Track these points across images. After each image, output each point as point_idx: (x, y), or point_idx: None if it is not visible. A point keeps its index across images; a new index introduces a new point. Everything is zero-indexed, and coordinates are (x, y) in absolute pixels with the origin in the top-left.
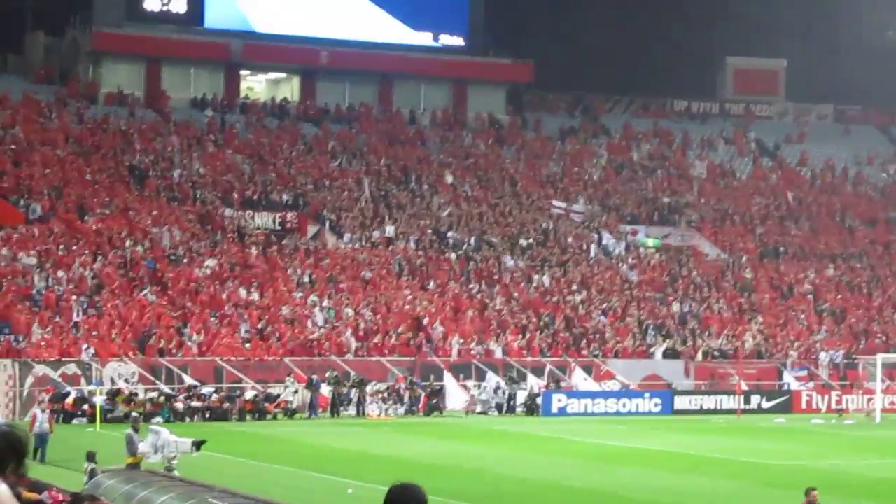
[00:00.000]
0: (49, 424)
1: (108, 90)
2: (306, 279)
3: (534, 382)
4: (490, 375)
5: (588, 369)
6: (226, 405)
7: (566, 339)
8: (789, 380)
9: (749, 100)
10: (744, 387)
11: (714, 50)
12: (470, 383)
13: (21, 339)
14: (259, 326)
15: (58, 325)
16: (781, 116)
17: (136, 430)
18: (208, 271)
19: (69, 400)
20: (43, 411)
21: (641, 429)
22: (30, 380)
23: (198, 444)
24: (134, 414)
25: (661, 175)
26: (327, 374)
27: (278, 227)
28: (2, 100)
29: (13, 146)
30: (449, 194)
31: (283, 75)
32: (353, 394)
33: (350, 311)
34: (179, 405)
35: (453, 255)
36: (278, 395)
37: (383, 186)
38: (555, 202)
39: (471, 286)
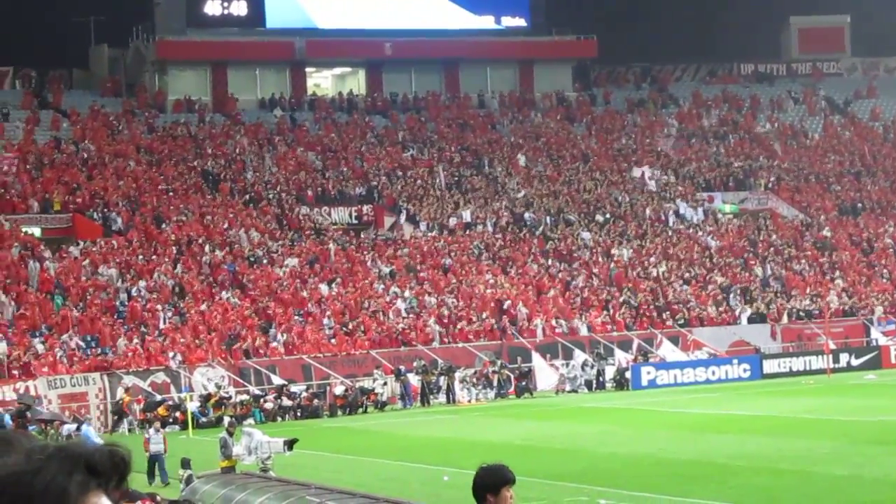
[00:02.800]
0: (164, 444)
1: (175, 97)
2: (386, 271)
3: (621, 357)
4: (577, 353)
5: (675, 340)
6: (316, 402)
7: (650, 311)
8: (877, 335)
9: (815, 58)
10: (832, 346)
11: (777, 11)
12: (558, 362)
13: (108, 351)
14: (343, 321)
15: (143, 335)
16: (849, 72)
17: (231, 434)
18: (288, 270)
19: (160, 409)
20: (157, 431)
21: (732, 395)
22: (120, 391)
23: (290, 444)
24: (227, 418)
25: (732, 140)
26: (415, 364)
27: (355, 221)
28: (70, 115)
29: (86, 160)
30: (522, 175)
31: (349, 69)
32: (442, 381)
33: (432, 300)
34: (269, 405)
35: (531, 236)
36: (372, 389)
37: (456, 172)
38: (635, 171)
39: (551, 265)
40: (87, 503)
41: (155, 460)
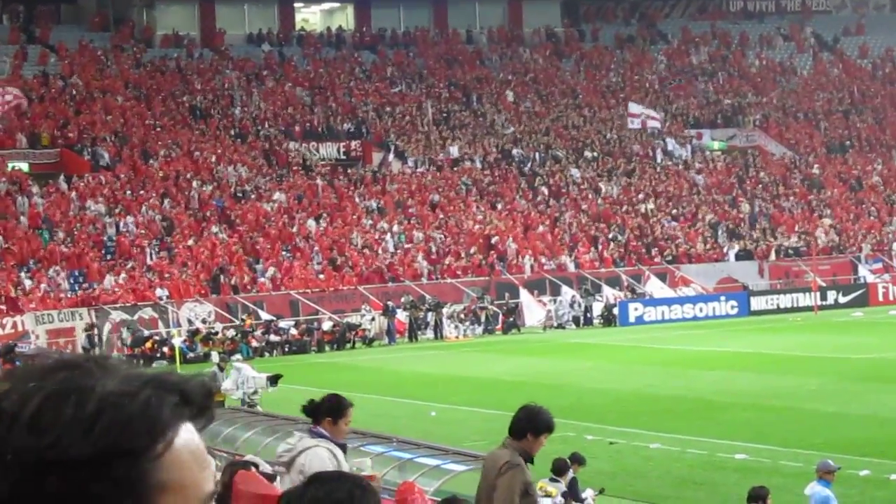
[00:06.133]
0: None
1: (163, 33)
2: (374, 206)
3: (609, 293)
4: (565, 289)
5: (662, 276)
6: (304, 338)
7: (638, 247)
8: (864, 273)
9: None
10: (819, 283)
11: None
12: (545, 298)
13: (95, 286)
14: (331, 257)
15: (131, 271)
16: (839, 9)
17: (222, 369)
18: (276, 205)
19: (148, 343)
20: (222, 370)
21: (720, 332)
22: (107, 326)
23: (273, 379)
24: (215, 353)
25: (721, 77)
26: (402, 300)
27: (343, 157)
28: (58, 50)
29: (74, 95)
30: (511, 111)
31: (337, 4)
32: (430, 317)
33: (420, 235)
34: (254, 342)
35: (520, 172)
36: (358, 325)
37: (445, 108)
38: (631, 107)
39: (539, 201)
40: (178, 429)
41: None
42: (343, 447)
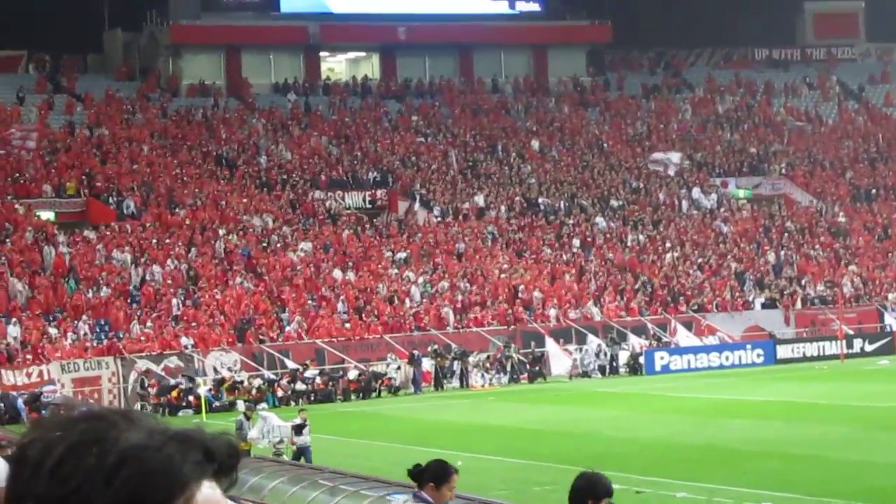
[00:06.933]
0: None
1: (189, 82)
2: (401, 255)
3: (635, 342)
4: (591, 338)
5: (689, 325)
6: (329, 386)
7: (664, 296)
8: (891, 321)
9: (830, 44)
10: (846, 331)
11: None
12: (571, 347)
13: (121, 335)
14: (357, 306)
15: (157, 319)
16: (864, 58)
17: (248, 418)
18: (303, 255)
19: (174, 392)
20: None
21: (746, 381)
22: (133, 375)
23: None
24: (241, 402)
25: (747, 126)
26: (429, 349)
27: (369, 206)
28: (85, 99)
29: (100, 145)
30: (537, 160)
31: (363, 54)
32: (456, 366)
33: (446, 285)
34: (280, 391)
35: (545, 222)
36: (384, 374)
37: (470, 157)
38: (653, 156)
39: (565, 251)
40: (200, 486)
41: (303, 452)
42: None
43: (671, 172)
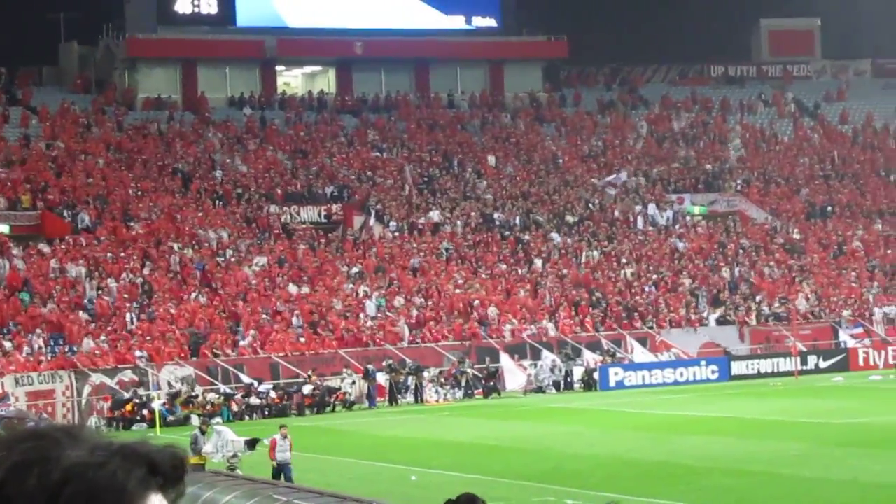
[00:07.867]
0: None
1: (145, 95)
2: (355, 270)
3: (590, 358)
4: (545, 354)
5: (643, 341)
6: (284, 401)
7: (619, 312)
8: (845, 338)
9: (785, 61)
10: (800, 348)
11: (747, 13)
12: (526, 363)
13: (76, 349)
14: (312, 321)
15: (111, 333)
16: (819, 75)
17: (203, 432)
18: (258, 269)
19: (128, 406)
20: (284, 437)
21: (701, 397)
22: (87, 389)
23: (251, 443)
24: (195, 416)
25: (703, 143)
26: (384, 363)
27: (324, 221)
28: (40, 112)
29: (55, 158)
30: (492, 176)
31: (319, 68)
32: (411, 381)
33: (401, 300)
34: (234, 406)
35: (501, 237)
36: (338, 388)
37: (426, 173)
38: (604, 180)
39: (520, 266)
40: (147, 500)
41: (282, 468)
42: None
43: (617, 184)
